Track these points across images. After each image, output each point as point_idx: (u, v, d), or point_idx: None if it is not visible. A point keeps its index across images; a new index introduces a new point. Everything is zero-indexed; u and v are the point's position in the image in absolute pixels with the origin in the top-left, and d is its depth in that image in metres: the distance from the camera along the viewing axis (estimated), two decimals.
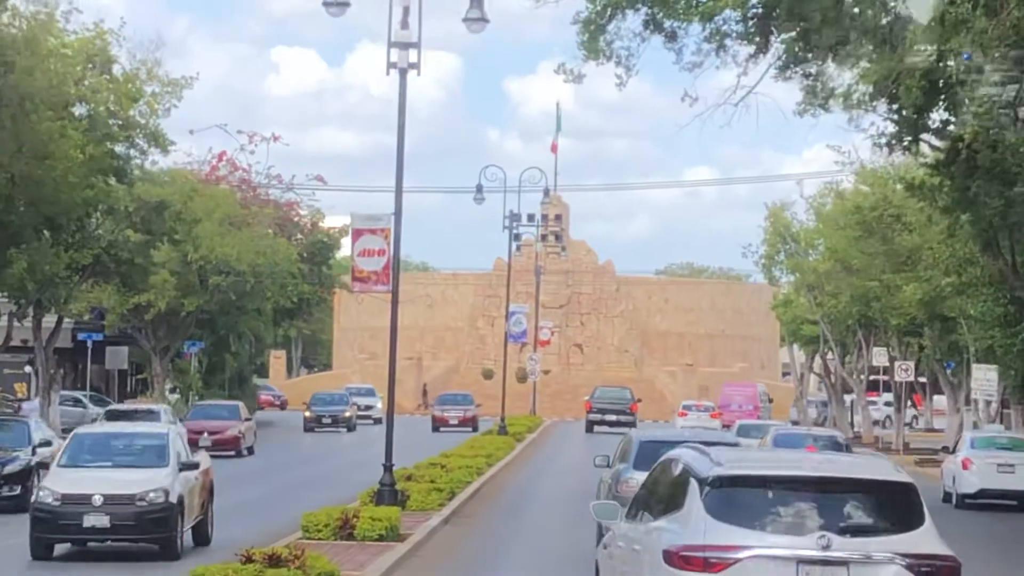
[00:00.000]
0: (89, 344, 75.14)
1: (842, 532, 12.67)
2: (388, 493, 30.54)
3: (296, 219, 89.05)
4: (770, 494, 12.90)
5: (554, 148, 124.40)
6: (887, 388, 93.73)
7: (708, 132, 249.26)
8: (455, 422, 75.70)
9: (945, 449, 47.36)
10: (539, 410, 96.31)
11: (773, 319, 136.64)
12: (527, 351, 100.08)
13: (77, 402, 69.39)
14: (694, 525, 12.77)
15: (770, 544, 12.57)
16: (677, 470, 13.87)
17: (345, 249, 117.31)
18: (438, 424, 76.41)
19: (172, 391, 79.60)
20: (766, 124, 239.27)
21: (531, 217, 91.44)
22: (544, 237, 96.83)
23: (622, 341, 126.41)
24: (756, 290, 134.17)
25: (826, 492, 12.97)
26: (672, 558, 12.68)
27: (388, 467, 30.83)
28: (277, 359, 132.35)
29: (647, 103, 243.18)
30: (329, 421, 75.65)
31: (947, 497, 41.55)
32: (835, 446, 37.28)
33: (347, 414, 76.54)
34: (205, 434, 52.34)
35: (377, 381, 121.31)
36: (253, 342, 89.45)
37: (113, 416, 51.22)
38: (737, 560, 12.52)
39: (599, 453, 29.41)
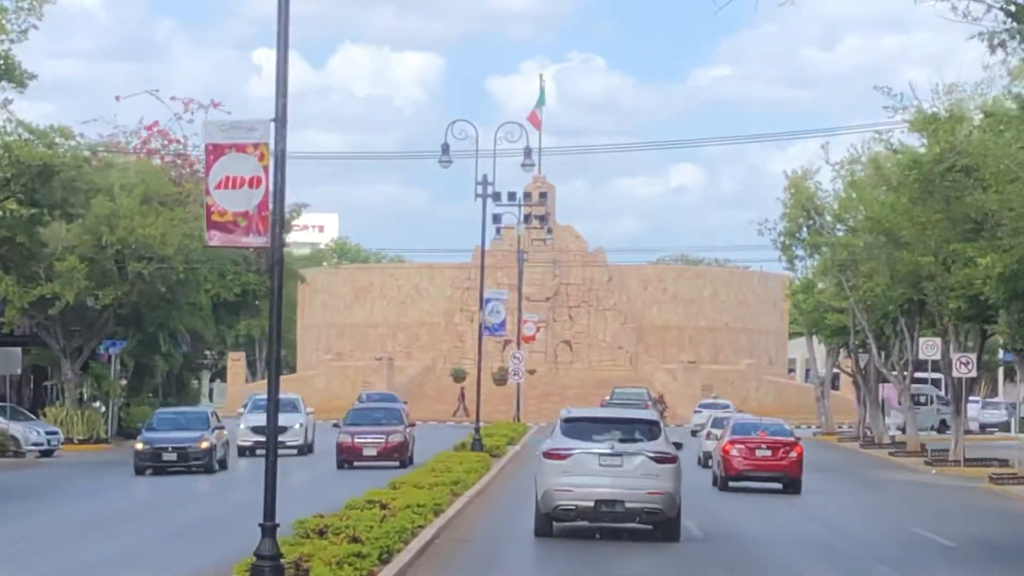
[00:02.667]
0: None
1: (621, 441, 28.48)
2: (270, 572, 18.78)
3: None
4: (589, 425, 29.32)
5: (536, 122, 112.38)
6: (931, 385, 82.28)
7: (691, 126, 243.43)
8: (372, 453, 48.66)
9: None
10: (524, 415, 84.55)
11: (781, 311, 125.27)
12: (510, 349, 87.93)
13: None
14: (554, 438, 29.04)
15: (586, 447, 28.48)
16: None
17: (301, 234, 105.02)
18: (345, 458, 48.92)
19: (92, 400, 67.51)
20: (754, 119, 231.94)
21: (512, 196, 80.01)
22: (527, 218, 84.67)
23: (615, 336, 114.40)
24: (762, 279, 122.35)
25: (616, 425, 29.31)
26: (544, 454, 28.90)
27: (269, 530, 18.98)
28: (236, 361, 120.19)
29: (631, 100, 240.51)
30: (173, 457, 47.07)
31: None
32: (781, 431, 43.40)
33: (203, 445, 47.01)
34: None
35: (345, 384, 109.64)
36: (190, 342, 77.22)
37: None
38: (571, 454, 28.42)
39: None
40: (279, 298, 19.63)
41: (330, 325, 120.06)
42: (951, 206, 48.56)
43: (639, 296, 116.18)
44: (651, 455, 28.03)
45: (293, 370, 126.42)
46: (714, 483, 43.00)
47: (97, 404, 67.08)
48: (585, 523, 28.70)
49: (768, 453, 41.72)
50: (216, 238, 19.33)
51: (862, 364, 73.85)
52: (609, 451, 28.12)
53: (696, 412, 79.15)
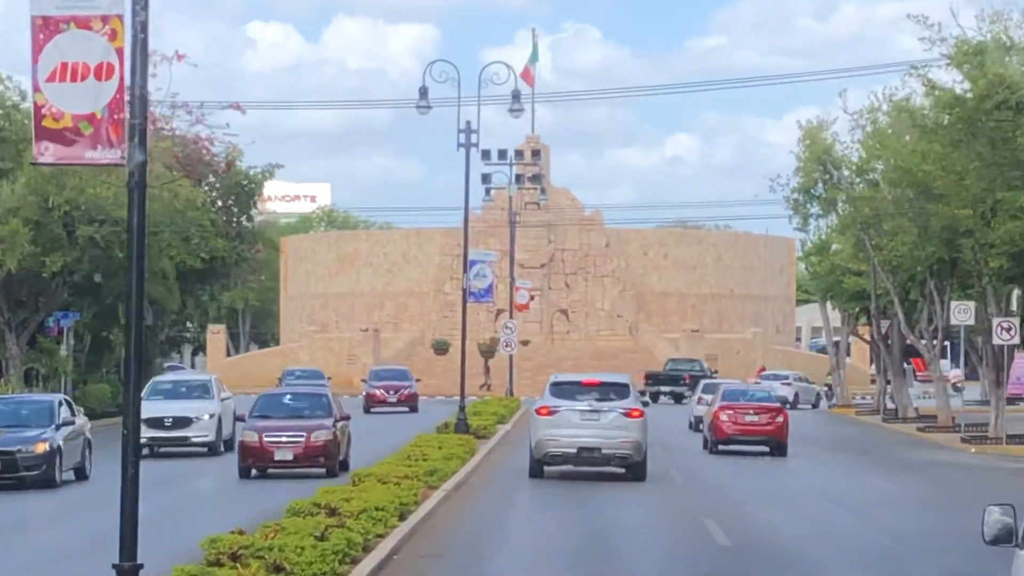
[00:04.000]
0: None
1: (599, 400, 34.40)
2: None
3: (207, 158, 71.06)
4: (572, 387, 35.09)
5: (528, 78, 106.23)
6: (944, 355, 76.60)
7: (689, 99, 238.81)
8: (287, 456, 34.76)
9: None
10: (517, 389, 78.69)
11: (788, 276, 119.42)
12: (503, 319, 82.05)
13: None
14: (544, 398, 34.80)
15: (570, 405, 34.24)
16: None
17: (292, 204, 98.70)
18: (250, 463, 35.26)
19: (51, 377, 61.63)
20: (749, 88, 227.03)
21: (502, 154, 74.21)
22: (519, 179, 78.74)
23: (614, 305, 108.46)
24: (768, 243, 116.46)
25: (594, 387, 34.99)
26: (536, 410, 34.62)
27: (127, 573, 13.17)
28: (216, 334, 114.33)
29: (625, 70, 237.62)
30: None
31: None
32: (768, 397, 46.07)
33: (39, 448, 32.76)
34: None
35: (329, 357, 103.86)
36: (159, 313, 71.15)
37: None
38: (558, 411, 34.09)
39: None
40: (140, 237, 13.67)
41: (314, 295, 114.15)
42: (996, 150, 42.67)
43: (639, 262, 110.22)
44: (622, 411, 34.50)
45: (277, 343, 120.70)
46: (704, 446, 45.55)
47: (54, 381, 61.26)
48: (570, 467, 34.97)
49: (756, 418, 43.94)
50: (49, 153, 13.39)
51: (884, 331, 67.87)
52: (588, 408, 34.62)
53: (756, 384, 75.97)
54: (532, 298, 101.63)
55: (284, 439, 34.44)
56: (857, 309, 73.78)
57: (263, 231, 78.07)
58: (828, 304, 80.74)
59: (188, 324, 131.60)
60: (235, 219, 71.19)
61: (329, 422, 35.15)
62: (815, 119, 64.82)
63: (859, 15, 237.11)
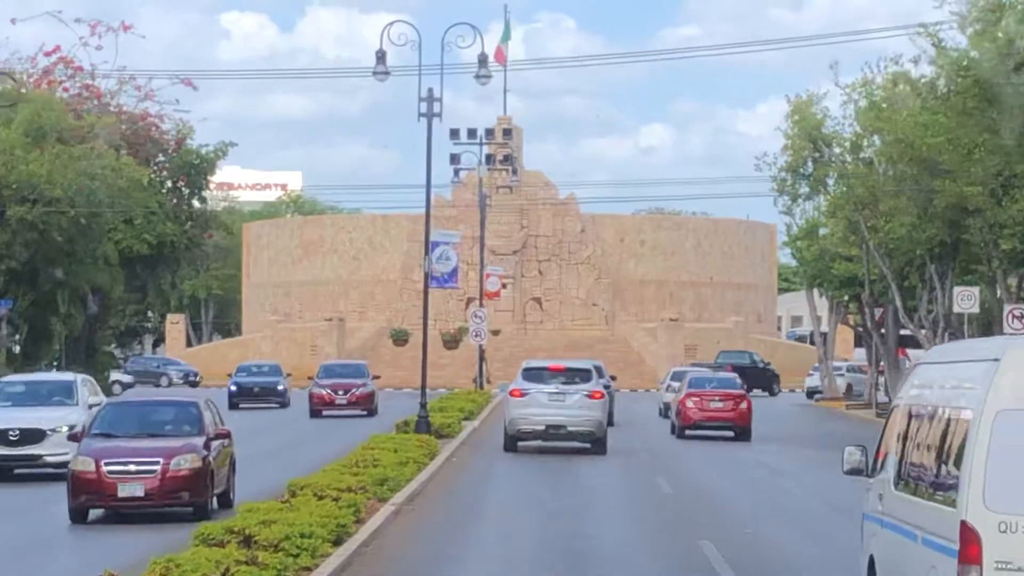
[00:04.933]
0: None
1: (565, 384, 38.54)
2: None
3: (156, 135, 66.61)
4: (542, 373, 39.33)
5: (500, 57, 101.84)
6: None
7: (662, 87, 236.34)
8: (135, 492, 25.02)
9: None
10: (488, 381, 74.51)
11: (769, 263, 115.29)
12: (473, 307, 77.65)
13: None
14: (517, 382, 39.22)
15: (539, 388, 38.45)
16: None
17: (225, 174, 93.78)
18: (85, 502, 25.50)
19: None
20: (722, 82, 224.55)
21: (472, 133, 69.95)
22: (489, 159, 74.39)
23: (590, 293, 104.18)
24: (748, 228, 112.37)
25: (561, 372, 39.26)
26: (509, 392, 39.17)
27: None
28: (175, 324, 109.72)
29: (601, 60, 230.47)
30: None
31: None
32: (732, 384, 48.05)
33: None
34: None
35: (292, 348, 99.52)
36: (104, 300, 66.66)
37: None
38: (528, 392, 38.37)
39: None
40: None
41: (277, 283, 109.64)
42: (1014, 117, 38.46)
43: (615, 248, 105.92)
44: (586, 393, 38.63)
45: (240, 333, 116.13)
46: (672, 431, 47.92)
47: None
48: (539, 442, 39.27)
49: (720, 405, 46.37)
50: None
51: (877, 318, 63.70)
52: (555, 391, 38.57)
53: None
54: (504, 286, 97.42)
55: (132, 468, 24.84)
56: (847, 297, 69.64)
57: (218, 215, 73.56)
58: (815, 292, 76.67)
59: (149, 314, 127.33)
60: (186, 201, 66.78)
61: (199, 442, 25.51)
62: (804, 93, 60.68)
63: (832, 6, 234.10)
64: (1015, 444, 10.93)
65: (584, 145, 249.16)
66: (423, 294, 45.20)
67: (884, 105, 53.52)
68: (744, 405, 46.28)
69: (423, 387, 43.50)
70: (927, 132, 45.07)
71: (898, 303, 56.92)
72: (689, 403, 46.26)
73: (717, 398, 46.34)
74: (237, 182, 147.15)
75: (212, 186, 67.81)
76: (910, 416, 13.27)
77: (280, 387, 63.05)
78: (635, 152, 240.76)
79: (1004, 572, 10.85)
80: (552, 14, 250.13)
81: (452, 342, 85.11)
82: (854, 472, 14.24)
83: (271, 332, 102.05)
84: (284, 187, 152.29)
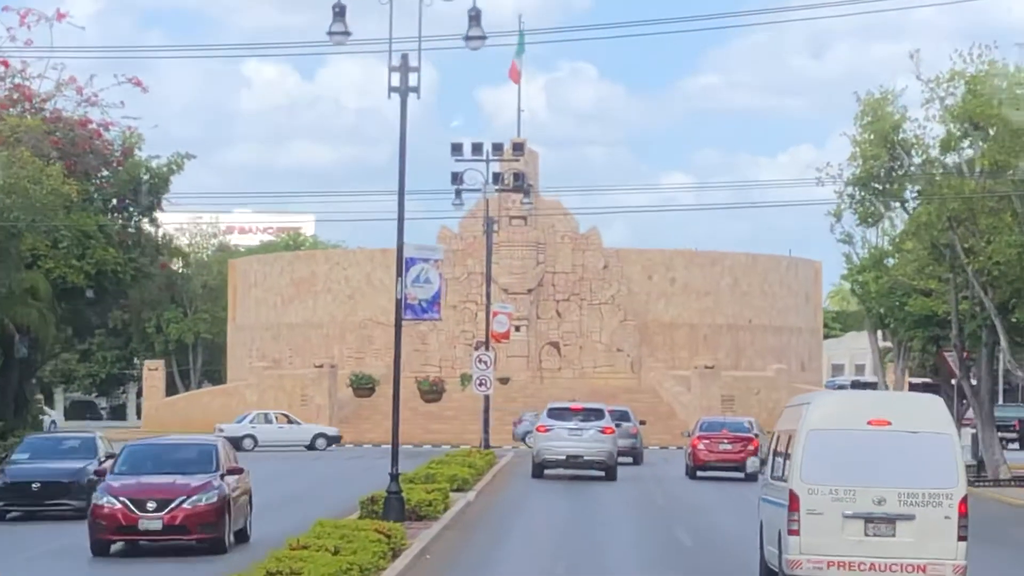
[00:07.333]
0: None
1: (583, 421, 48.26)
2: None
3: (99, 145, 55.96)
4: (564, 412, 49.12)
5: (515, 75, 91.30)
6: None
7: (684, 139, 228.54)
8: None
9: None
10: (494, 438, 63.55)
11: (814, 304, 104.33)
12: (479, 351, 66.43)
13: None
14: (542, 420, 49.39)
15: (561, 424, 48.20)
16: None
17: (179, 184, 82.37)
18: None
19: None
20: (743, 129, 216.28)
21: (477, 147, 59.77)
22: (498, 178, 63.34)
23: (614, 337, 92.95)
24: (791, 265, 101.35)
25: (579, 412, 49.14)
26: (536, 428, 49.67)
27: None
28: (152, 371, 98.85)
29: (622, 109, 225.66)
30: None
31: None
32: (742, 428, 51.94)
33: None
34: None
35: (281, 397, 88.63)
36: (34, 343, 55.47)
37: None
38: (552, 428, 48.19)
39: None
40: None
41: (265, 326, 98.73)
42: None
43: (642, 287, 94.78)
44: (599, 429, 48.02)
45: (223, 381, 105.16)
46: (685, 472, 51.56)
47: None
48: (561, 469, 47.93)
49: (730, 447, 50.21)
50: None
51: (969, 368, 52.38)
52: (574, 426, 47.75)
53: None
54: (517, 328, 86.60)
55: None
56: (925, 338, 58.31)
57: (172, 241, 62.64)
58: (879, 333, 65.59)
59: (135, 360, 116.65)
60: (132, 224, 55.99)
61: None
62: (877, 90, 49.80)
63: (852, 54, 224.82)
64: (818, 447, 20.66)
65: (605, 194, 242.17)
66: (395, 328, 34.37)
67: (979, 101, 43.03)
68: (752, 447, 49.85)
69: (394, 452, 32.65)
70: None
71: (1004, 344, 45.66)
72: (700, 445, 50.59)
73: (726, 440, 50.48)
74: (252, 226, 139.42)
75: (163, 206, 56.81)
76: (777, 437, 22.75)
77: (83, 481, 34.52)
78: (656, 201, 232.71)
79: (811, 516, 20.45)
80: (573, 63, 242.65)
81: (432, 393, 73.94)
82: (754, 475, 26.18)
83: (257, 380, 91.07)
84: (298, 231, 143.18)
